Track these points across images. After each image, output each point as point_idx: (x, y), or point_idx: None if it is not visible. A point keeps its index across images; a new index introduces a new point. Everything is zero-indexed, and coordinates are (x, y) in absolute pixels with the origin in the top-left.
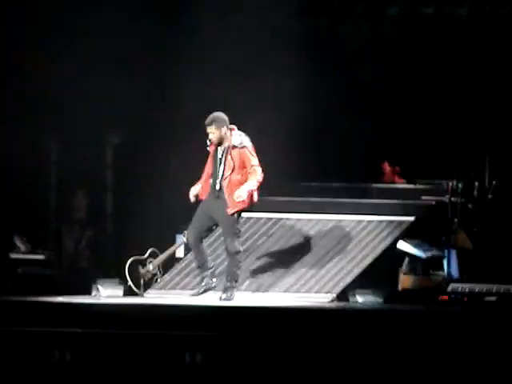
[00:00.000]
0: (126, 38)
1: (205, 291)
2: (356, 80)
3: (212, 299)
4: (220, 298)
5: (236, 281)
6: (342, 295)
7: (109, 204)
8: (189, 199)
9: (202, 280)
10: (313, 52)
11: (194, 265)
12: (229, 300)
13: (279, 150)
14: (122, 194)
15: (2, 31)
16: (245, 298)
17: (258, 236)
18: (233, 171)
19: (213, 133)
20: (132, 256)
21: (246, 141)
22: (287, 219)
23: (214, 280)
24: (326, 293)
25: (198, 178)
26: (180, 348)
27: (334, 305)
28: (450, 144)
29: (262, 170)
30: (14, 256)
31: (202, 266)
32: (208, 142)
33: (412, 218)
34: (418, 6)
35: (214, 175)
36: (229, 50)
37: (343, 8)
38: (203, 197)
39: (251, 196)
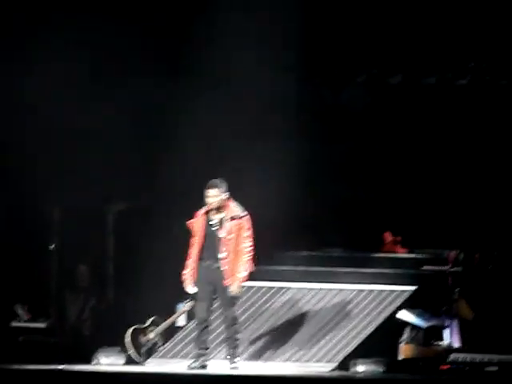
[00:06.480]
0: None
1: (202, 367)
2: (357, 148)
3: (214, 368)
4: (229, 367)
5: (238, 350)
6: (343, 364)
7: (111, 272)
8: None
9: (198, 356)
10: (313, 119)
11: (194, 334)
12: (236, 369)
13: (279, 219)
14: (124, 262)
15: None
16: (246, 367)
17: (259, 305)
18: (232, 241)
19: (215, 196)
20: (133, 325)
21: (242, 212)
22: (288, 288)
23: (208, 362)
24: (327, 362)
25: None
26: None
27: (335, 374)
28: (452, 214)
29: (259, 241)
30: (15, 324)
31: (204, 343)
32: (202, 209)
33: (413, 288)
34: (420, 76)
35: (212, 245)
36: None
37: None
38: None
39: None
